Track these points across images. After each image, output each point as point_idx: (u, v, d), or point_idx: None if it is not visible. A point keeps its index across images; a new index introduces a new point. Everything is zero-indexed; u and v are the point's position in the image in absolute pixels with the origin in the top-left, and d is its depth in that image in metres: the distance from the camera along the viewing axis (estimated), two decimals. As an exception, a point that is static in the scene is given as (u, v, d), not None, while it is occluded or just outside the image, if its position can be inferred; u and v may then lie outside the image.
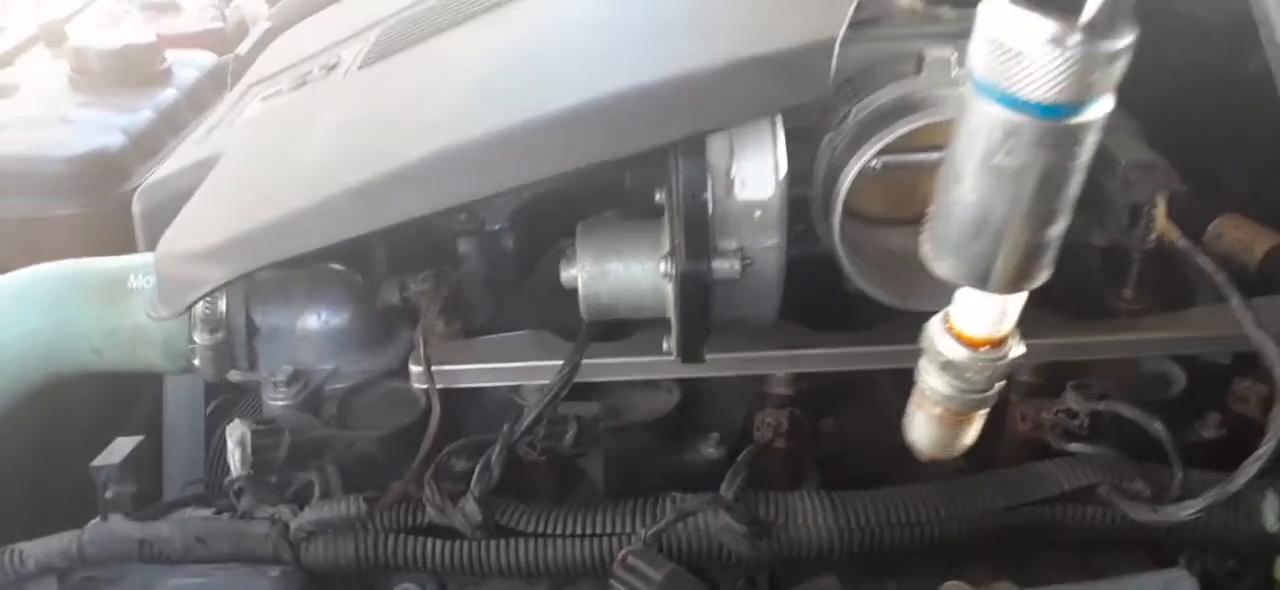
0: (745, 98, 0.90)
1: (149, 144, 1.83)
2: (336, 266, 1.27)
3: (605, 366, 1.14)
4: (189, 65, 2.06)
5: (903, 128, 0.96)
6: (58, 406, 1.33)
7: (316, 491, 1.04)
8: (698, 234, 0.93)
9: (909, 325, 1.12)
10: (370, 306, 1.24)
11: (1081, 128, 0.53)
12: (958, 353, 0.67)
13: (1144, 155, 0.97)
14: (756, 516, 1.01)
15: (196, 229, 1.06)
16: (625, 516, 1.03)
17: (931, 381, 0.70)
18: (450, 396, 1.19)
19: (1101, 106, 0.53)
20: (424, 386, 1.11)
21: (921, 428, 0.74)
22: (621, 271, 1.00)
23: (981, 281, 0.61)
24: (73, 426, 1.43)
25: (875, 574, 1.09)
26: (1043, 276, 0.61)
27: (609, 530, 1.02)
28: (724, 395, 1.22)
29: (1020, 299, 0.64)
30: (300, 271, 1.25)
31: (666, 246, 0.98)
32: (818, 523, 1.02)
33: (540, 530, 1.02)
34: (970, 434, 0.74)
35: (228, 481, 1.05)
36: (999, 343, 0.67)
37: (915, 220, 1.12)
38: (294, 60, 1.56)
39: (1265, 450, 0.87)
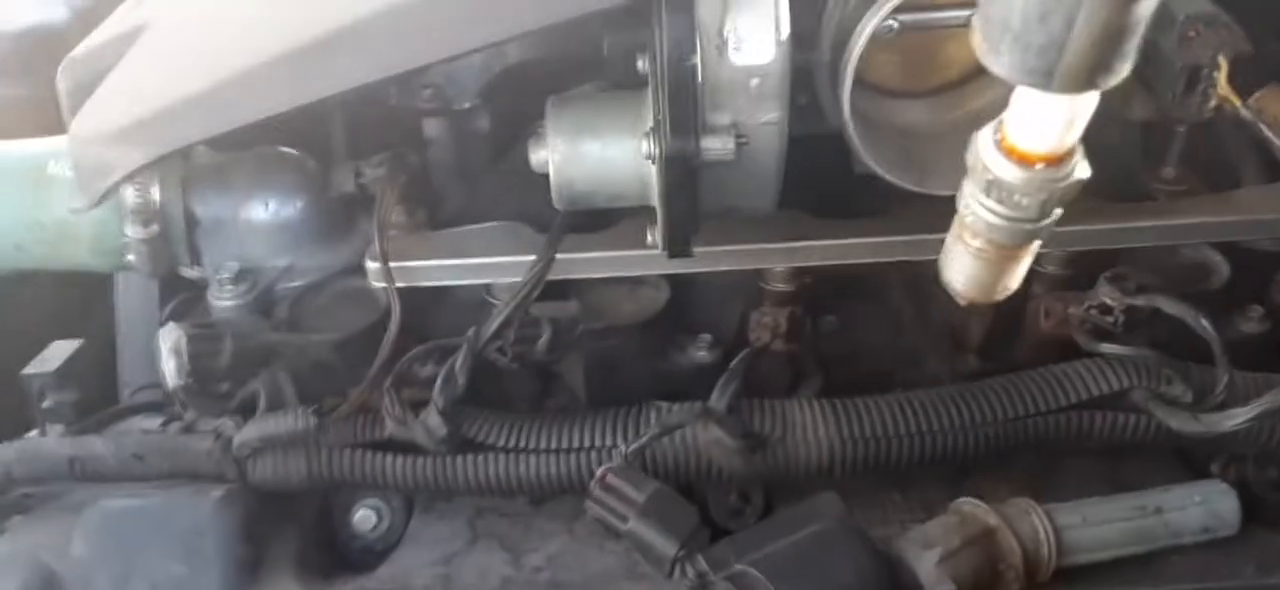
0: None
1: (98, 18, 1.68)
2: (286, 150, 1.14)
3: (585, 262, 1.02)
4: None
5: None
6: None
7: (262, 403, 0.93)
8: (684, 106, 0.80)
9: (924, 212, 1.02)
10: (325, 196, 1.11)
11: None
12: (1009, 171, 0.55)
13: (1205, 8, 0.83)
14: (750, 429, 0.91)
15: (114, 106, 0.92)
16: (606, 429, 0.92)
17: (975, 207, 0.58)
18: (415, 296, 1.07)
19: None
20: (383, 285, 1.00)
21: (960, 264, 0.62)
22: (598, 152, 0.87)
23: (1046, 78, 0.49)
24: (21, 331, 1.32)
25: (881, 489, 1.00)
26: (1122, 72, 0.49)
27: (587, 444, 0.92)
28: (717, 293, 1.11)
29: (1090, 103, 0.52)
30: (243, 155, 1.12)
31: (649, 122, 0.85)
32: (818, 434, 0.92)
33: (511, 445, 0.92)
34: (1016, 276, 0.62)
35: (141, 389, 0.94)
36: (1060, 159, 0.55)
37: (934, 92, 1.01)
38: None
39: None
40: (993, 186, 0.57)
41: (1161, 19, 0.84)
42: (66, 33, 1.61)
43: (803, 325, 1.05)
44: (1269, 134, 0.80)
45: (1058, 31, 0.47)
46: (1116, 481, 0.96)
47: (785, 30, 0.80)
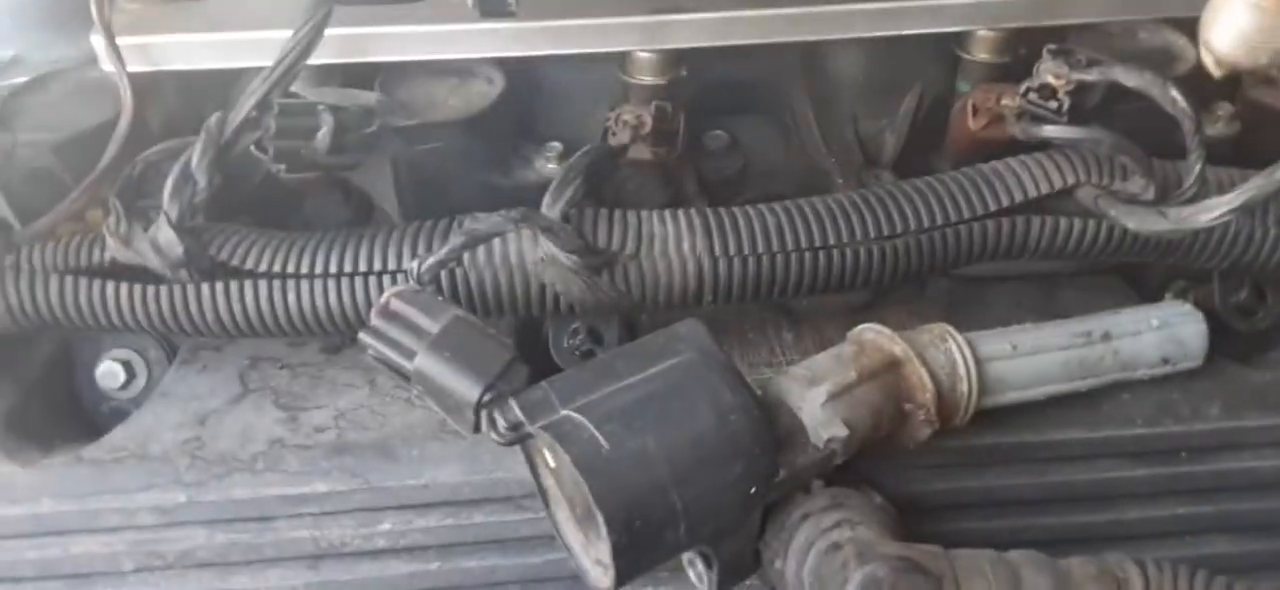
0: None
1: None
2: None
3: (388, 38, 0.78)
4: None
5: None
6: None
7: (-66, 217, 0.69)
8: None
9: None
10: (59, -34, 0.85)
11: None
12: None
13: None
14: (591, 243, 0.70)
15: None
16: (401, 246, 0.70)
17: None
18: (183, 90, 0.84)
19: None
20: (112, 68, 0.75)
21: (1229, 16, 0.51)
22: None
23: None
24: None
25: (767, 325, 0.81)
26: None
27: (375, 268, 0.69)
28: (571, 90, 0.88)
29: None
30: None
31: None
32: (681, 250, 0.71)
33: (277, 269, 0.69)
34: None
35: None
36: None
37: None
38: None
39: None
40: None
41: None
42: None
43: (674, 127, 0.83)
44: None
45: None
46: (1053, 311, 0.77)
47: None
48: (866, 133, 0.94)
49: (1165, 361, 0.69)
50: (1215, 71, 0.57)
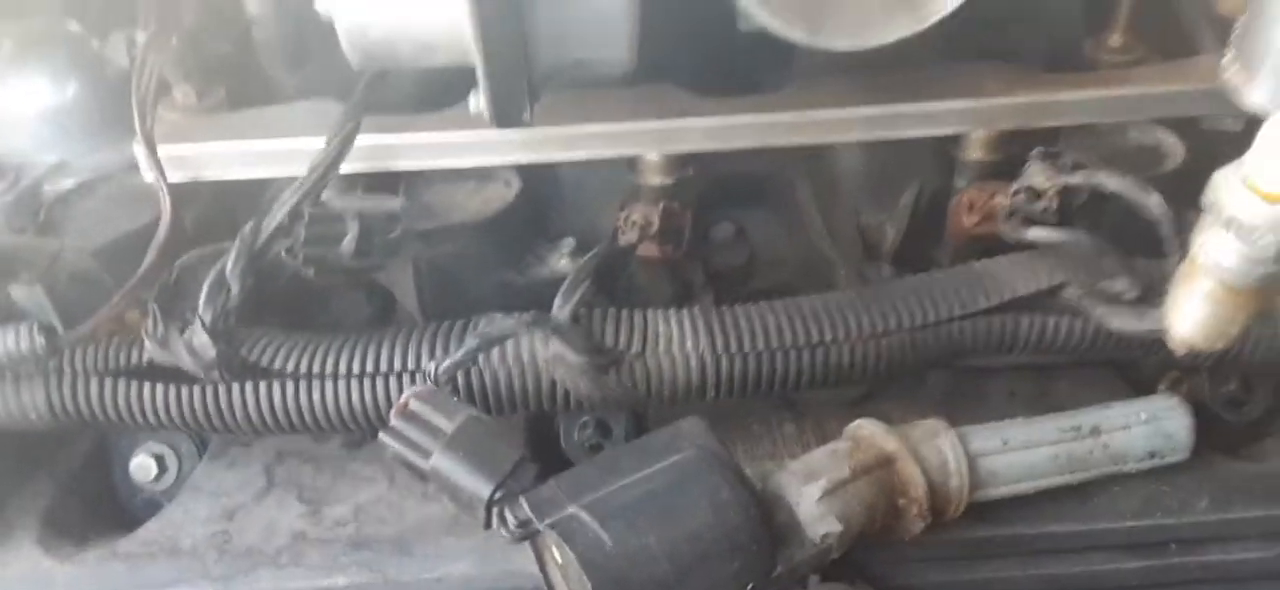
0: None
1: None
2: (61, 22, 0.94)
3: (410, 147, 0.83)
4: None
5: None
6: None
7: (-13, 321, 0.73)
8: (496, -80, 0.61)
9: (825, 85, 0.85)
10: (104, 77, 0.91)
11: None
12: (1252, 211, 0.54)
13: None
14: (599, 342, 0.73)
15: None
16: (420, 348, 0.74)
17: (1211, 248, 0.57)
18: (218, 198, 0.89)
19: None
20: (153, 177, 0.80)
21: (1188, 308, 0.59)
22: (397, -11, 0.68)
23: None
24: None
25: (771, 417, 0.84)
26: None
27: (396, 367, 0.73)
28: (584, 189, 0.93)
29: None
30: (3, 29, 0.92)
31: (460, -54, 0.65)
32: (685, 348, 0.74)
33: (301, 369, 0.73)
34: (1242, 322, 0.58)
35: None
36: None
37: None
38: None
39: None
40: (1233, 225, 0.56)
41: None
42: None
43: (681, 225, 0.87)
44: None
45: None
46: (1047, 404, 0.80)
47: None
48: (868, 225, 0.98)
49: (1153, 455, 0.71)
50: (1179, 351, 0.62)
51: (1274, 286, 0.56)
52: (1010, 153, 0.88)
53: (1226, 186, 0.55)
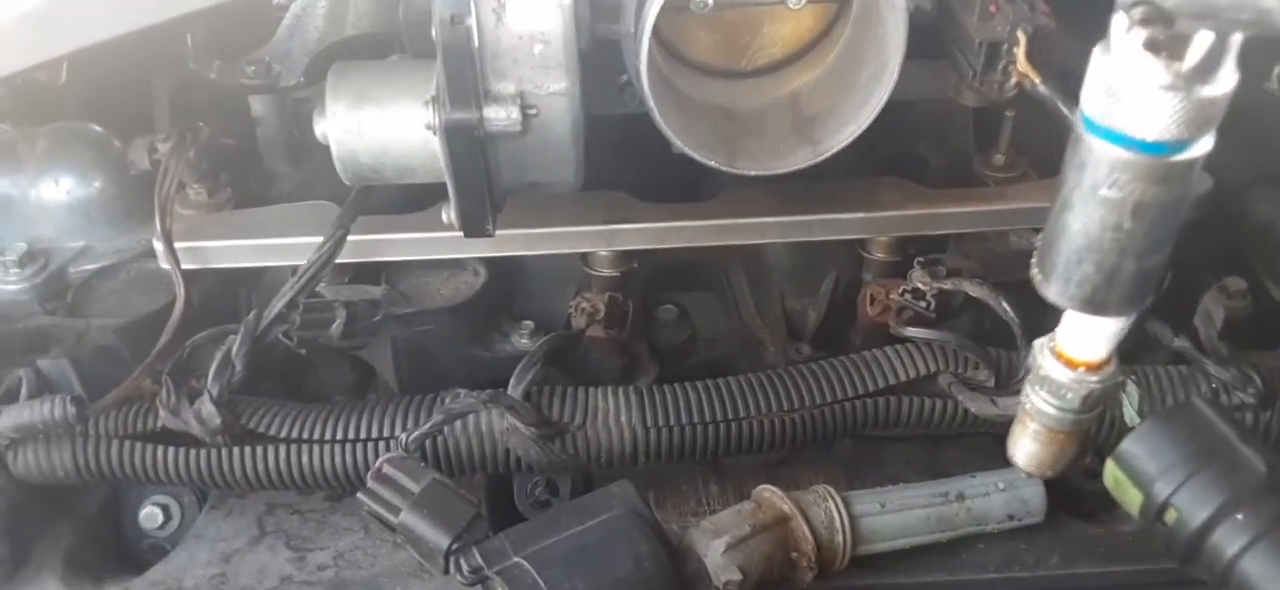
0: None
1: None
2: (86, 126, 1.07)
3: (391, 244, 0.97)
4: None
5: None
6: None
7: (23, 390, 0.86)
8: (461, 73, 0.75)
9: (746, 195, 0.99)
10: (125, 173, 1.05)
11: (1184, 164, 0.55)
12: (1058, 372, 0.67)
13: (1007, -16, 0.81)
14: (547, 416, 0.87)
15: None
16: (394, 418, 0.87)
17: (1032, 398, 0.70)
18: (223, 282, 1.02)
19: (1204, 144, 0.55)
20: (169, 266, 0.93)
21: (1022, 444, 0.72)
22: (381, 123, 0.82)
23: (1086, 305, 0.62)
24: None
25: (698, 480, 0.97)
26: (1145, 301, 0.62)
27: (373, 435, 0.86)
28: (543, 277, 1.07)
29: (1122, 324, 0.65)
30: (37, 131, 1.06)
31: (433, 90, 0.80)
32: (619, 421, 0.88)
33: (292, 435, 0.86)
34: (1068, 454, 0.71)
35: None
36: (1099, 366, 0.67)
37: (758, 73, 0.98)
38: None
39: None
40: (1045, 382, 0.68)
41: (967, -1, 0.82)
42: None
43: (624, 311, 1.01)
44: (1065, 110, 0.78)
45: (1091, 274, 0.60)
46: (936, 469, 0.94)
47: (570, -7, 0.76)
48: (792, 308, 1.11)
49: (1011, 517, 0.85)
50: (1022, 474, 0.75)
51: (1086, 428, 0.69)
52: (908, 254, 1.02)
53: (1041, 352, 0.68)
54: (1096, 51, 0.54)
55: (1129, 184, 0.55)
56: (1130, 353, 0.88)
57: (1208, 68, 0.51)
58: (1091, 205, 0.57)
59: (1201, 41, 0.51)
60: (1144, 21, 0.50)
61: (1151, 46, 0.51)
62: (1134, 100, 0.52)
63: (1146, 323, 0.92)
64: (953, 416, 0.89)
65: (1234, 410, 0.86)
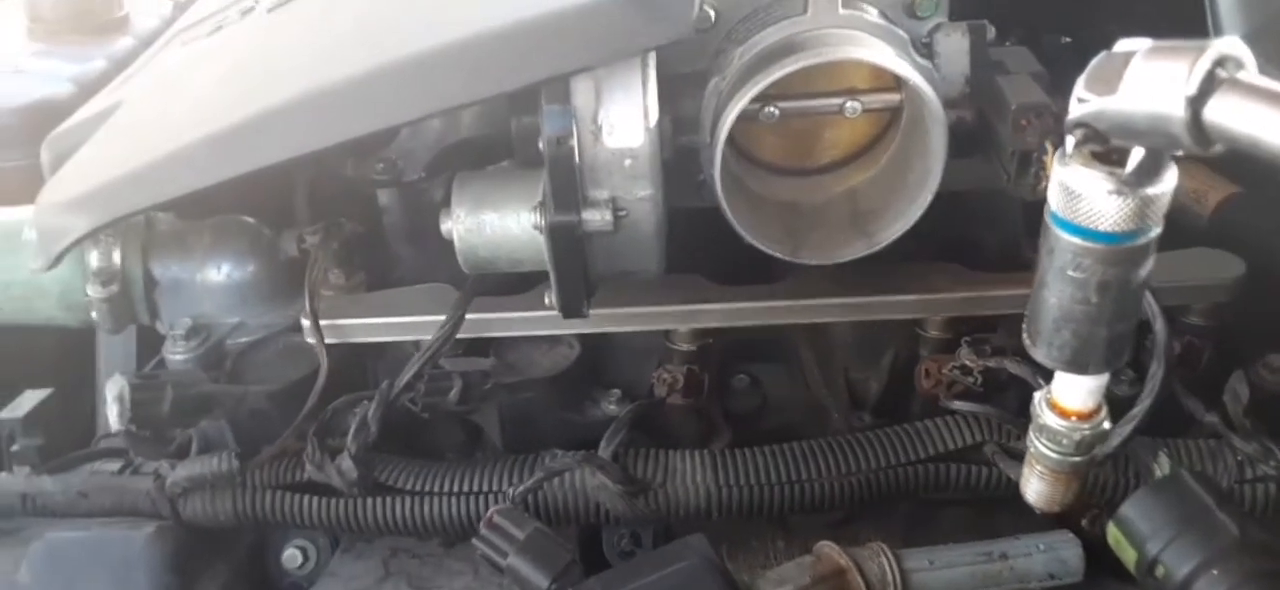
0: (604, 36, 0.86)
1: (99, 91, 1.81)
2: (242, 218, 1.26)
3: (501, 321, 1.11)
4: (148, 13, 2.03)
5: (786, 68, 0.91)
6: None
7: (194, 447, 1.03)
8: (565, 183, 0.90)
9: (812, 280, 1.11)
10: (275, 259, 1.22)
11: (1138, 249, 0.65)
12: (1054, 421, 0.78)
13: (1036, 98, 0.92)
14: (632, 475, 0.99)
15: (75, 178, 1.04)
16: (502, 475, 1.01)
17: (1035, 443, 0.80)
18: (353, 352, 1.18)
19: (1153, 231, 0.65)
20: (314, 341, 1.09)
21: (1032, 483, 0.82)
22: (497, 223, 0.97)
23: (1069, 366, 0.72)
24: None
25: (766, 535, 1.07)
26: (1120, 361, 0.72)
27: (485, 489, 1.00)
28: (630, 351, 1.19)
29: (1103, 380, 0.75)
30: (202, 223, 1.24)
31: (540, 197, 0.94)
32: (696, 481, 1.00)
33: (416, 488, 1.01)
34: (1074, 491, 0.82)
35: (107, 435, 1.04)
36: (1088, 415, 0.77)
37: (821, 170, 1.10)
38: (224, 3, 1.53)
39: (1138, 410, 0.84)
40: (1044, 430, 0.79)
41: (1000, 107, 0.93)
42: (70, 106, 1.75)
43: (701, 381, 1.13)
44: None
45: (1069, 340, 0.70)
46: (987, 531, 1.02)
47: (653, 118, 0.89)
48: (855, 379, 1.21)
49: (1051, 576, 0.93)
50: (1037, 511, 0.84)
51: (1084, 469, 0.79)
52: (961, 332, 1.12)
53: (1040, 405, 0.79)
54: (1057, 159, 0.65)
55: (1091, 267, 0.65)
56: (1168, 426, 0.98)
57: (1147, 172, 0.61)
58: (1062, 283, 0.67)
59: (1137, 152, 0.61)
60: (1084, 141, 0.61)
61: (1098, 157, 0.62)
62: (1087, 202, 0.63)
63: (1183, 398, 1.00)
64: (997, 482, 0.98)
65: (1249, 481, 0.95)
